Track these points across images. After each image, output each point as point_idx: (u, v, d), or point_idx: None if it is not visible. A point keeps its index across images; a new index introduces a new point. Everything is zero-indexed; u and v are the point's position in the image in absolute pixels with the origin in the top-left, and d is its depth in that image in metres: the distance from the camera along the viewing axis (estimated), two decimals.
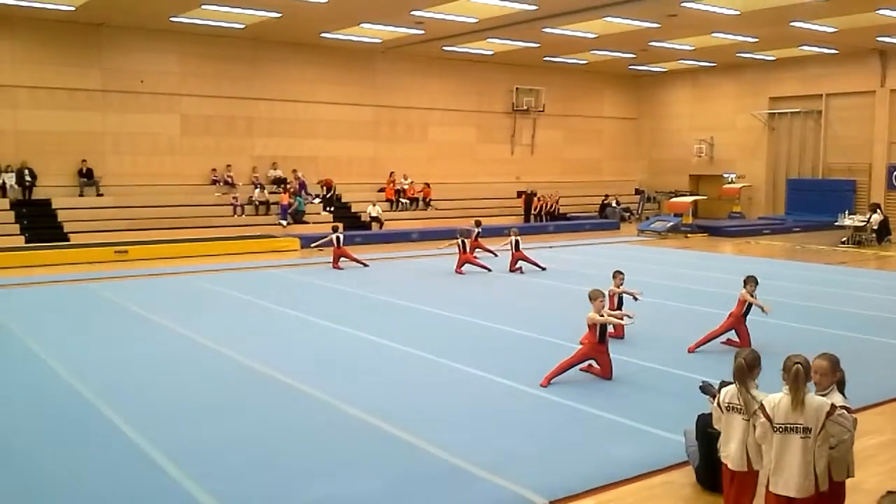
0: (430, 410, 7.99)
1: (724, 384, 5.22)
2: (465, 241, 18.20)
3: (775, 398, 4.62)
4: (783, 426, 4.55)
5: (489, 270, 17.88)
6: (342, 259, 18.75)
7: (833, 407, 4.55)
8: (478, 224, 19.84)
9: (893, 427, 7.66)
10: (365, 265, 18.80)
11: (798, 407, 4.50)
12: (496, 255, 19.46)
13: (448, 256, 19.53)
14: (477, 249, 19.16)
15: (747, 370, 4.85)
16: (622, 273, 11.37)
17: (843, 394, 4.84)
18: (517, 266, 18.03)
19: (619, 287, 11.21)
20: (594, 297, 8.98)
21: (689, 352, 10.29)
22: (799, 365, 4.53)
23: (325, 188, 27.57)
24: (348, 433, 7.31)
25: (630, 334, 11.28)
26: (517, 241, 18.01)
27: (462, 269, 17.97)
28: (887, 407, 8.23)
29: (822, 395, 4.73)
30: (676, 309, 13.72)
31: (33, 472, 6.38)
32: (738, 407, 4.84)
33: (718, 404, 4.95)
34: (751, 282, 10.34)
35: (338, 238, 18.81)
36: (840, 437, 4.59)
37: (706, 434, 5.75)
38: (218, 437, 7.15)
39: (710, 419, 5.36)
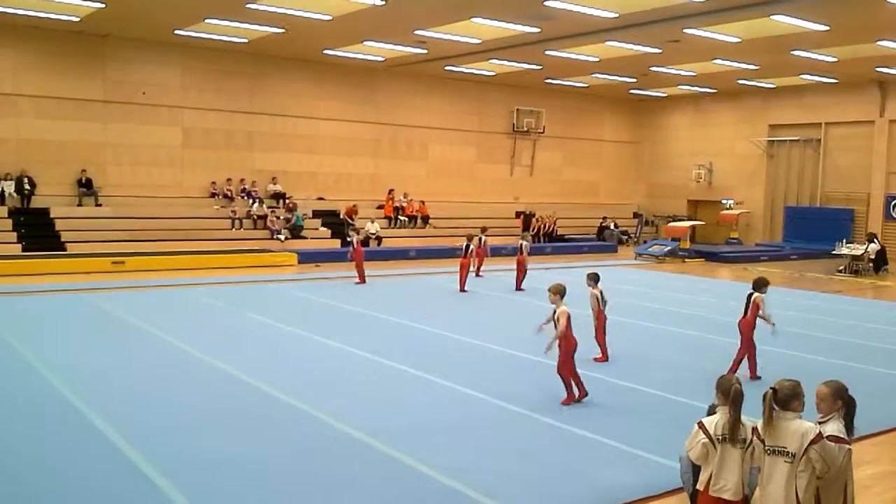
0: (425, 430, 7.94)
1: (711, 410, 5.16)
2: (471, 245, 18.42)
3: (761, 422, 4.69)
4: (770, 449, 4.61)
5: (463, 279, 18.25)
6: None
7: (819, 435, 4.53)
8: (483, 230, 20.32)
9: (890, 457, 7.64)
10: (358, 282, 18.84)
11: (766, 428, 4.59)
12: (478, 276, 19.85)
13: (447, 275, 19.54)
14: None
15: (743, 397, 4.82)
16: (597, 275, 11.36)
17: (847, 423, 4.78)
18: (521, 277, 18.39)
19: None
20: (557, 291, 8.92)
21: (753, 379, 9.81)
22: (770, 389, 4.59)
23: (348, 217, 27.19)
24: (343, 452, 7.26)
25: (626, 358, 11.27)
26: (522, 245, 18.57)
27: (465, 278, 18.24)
28: (884, 437, 8.21)
29: (822, 423, 4.72)
30: (673, 334, 13.70)
31: (23, 484, 6.33)
32: (729, 437, 4.78)
33: (710, 439, 4.77)
34: (764, 286, 10.16)
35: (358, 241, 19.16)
36: (823, 469, 4.54)
37: None
38: (212, 453, 7.10)
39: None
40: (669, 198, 36.34)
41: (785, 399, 4.59)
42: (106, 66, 24.14)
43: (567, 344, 8.88)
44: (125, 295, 16.43)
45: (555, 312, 8.89)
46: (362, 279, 18.84)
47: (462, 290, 17.97)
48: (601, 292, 11.19)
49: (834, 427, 4.69)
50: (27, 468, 6.65)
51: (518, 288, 18.33)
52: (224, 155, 26.46)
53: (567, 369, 8.94)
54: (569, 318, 8.82)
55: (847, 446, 4.62)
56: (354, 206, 27.55)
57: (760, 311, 10.12)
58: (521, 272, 18.46)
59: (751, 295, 10.26)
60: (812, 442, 4.49)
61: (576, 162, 35.54)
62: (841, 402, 4.79)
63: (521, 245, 18.64)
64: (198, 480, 6.45)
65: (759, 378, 9.84)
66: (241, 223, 25.52)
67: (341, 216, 27.46)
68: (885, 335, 13.90)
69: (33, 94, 23.07)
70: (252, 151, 27.06)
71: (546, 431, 8.00)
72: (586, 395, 8.97)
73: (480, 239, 19.45)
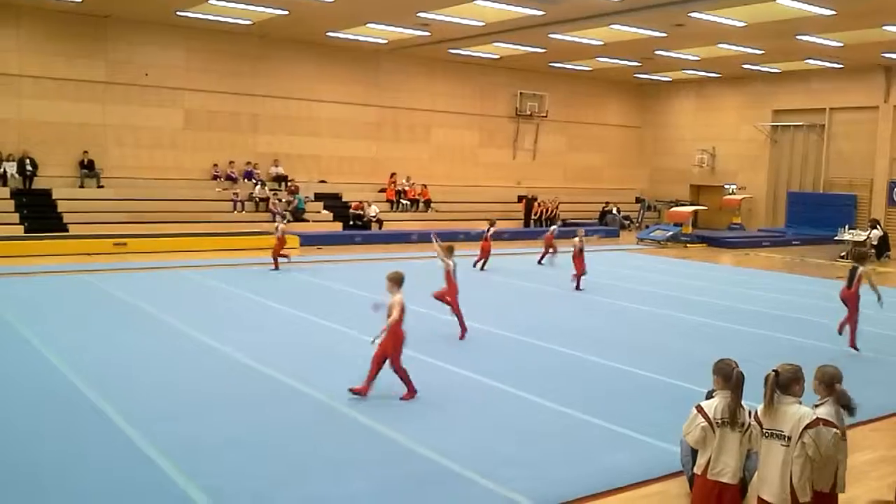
0: (424, 413, 7.98)
1: (710, 395, 5.18)
2: (492, 229, 19.37)
3: (761, 405, 4.72)
4: (768, 432, 4.65)
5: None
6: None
7: (815, 420, 4.56)
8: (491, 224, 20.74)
9: (887, 443, 7.66)
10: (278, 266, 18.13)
11: (767, 411, 4.62)
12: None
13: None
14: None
15: (744, 380, 4.83)
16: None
17: (842, 408, 4.82)
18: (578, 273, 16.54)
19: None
20: (394, 279, 8.41)
21: (854, 348, 10.98)
22: (773, 372, 4.65)
23: (356, 211, 27.14)
24: (343, 433, 7.30)
25: (626, 342, 11.29)
26: (581, 248, 16.60)
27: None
28: (881, 423, 8.23)
29: (816, 406, 4.77)
30: (673, 318, 13.71)
31: (26, 465, 6.37)
32: (728, 420, 4.79)
33: (709, 422, 4.77)
34: (865, 258, 11.02)
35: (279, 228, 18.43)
36: (816, 454, 4.56)
37: None
38: (212, 434, 7.14)
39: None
40: (672, 182, 36.25)
41: (786, 383, 4.62)
42: (108, 48, 24.05)
43: (395, 338, 8.23)
44: (127, 276, 16.46)
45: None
46: (276, 265, 17.94)
47: (482, 268, 18.84)
48: (455, 265, 11.52)
49: (824, 411, 4.74)
50: (26, 449, 6.68)
51: (577, 288, 16.51)
52: (226, 137, 26.40)
53: (398, 364, 8.30)
54: (402, 309, 8.22)
55: (834, 430, 4.65)
56: (360, 202, 27.39)
57: (868, 284, 11.01)
58: (580, 269, 16.62)
59: (855, 269, 11.06)
60: (807, 426, 4.52)
61: (579, 146, 35.43)
62: (834, 388, 4.84)
63: (575, 241, 16.77)
64: (199, 461, 6.49)
65: (858, 350, 11.00)
66: (242, 206, 25.50)
67: (351, 210, 27.30)
68: (885, 322, 13.88)
69: (35, 74, 22.99)
70: (254, 134, 27.01)
71: (545, 414, 8.03)
72: (415, 394, 8.34)
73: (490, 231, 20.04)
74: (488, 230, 19.40)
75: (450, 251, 11.40)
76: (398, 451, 6.87)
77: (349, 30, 24.87)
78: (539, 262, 20.49)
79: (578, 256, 16.54)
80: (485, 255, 19.12)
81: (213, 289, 15.30)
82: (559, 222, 18.93)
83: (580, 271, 16.44)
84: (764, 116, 32.86)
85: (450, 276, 11.27)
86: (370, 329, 11.61)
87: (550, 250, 20.58)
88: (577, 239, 16.77)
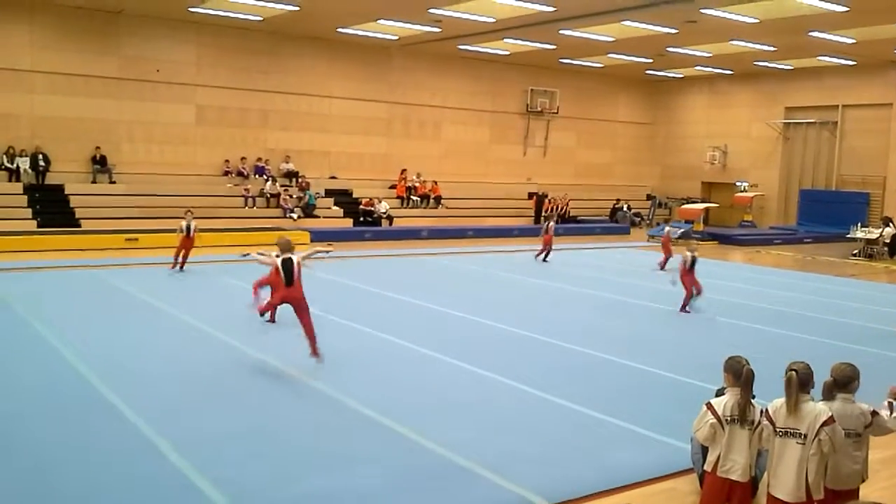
0: (432, 407, 7.99)
1: (720, 393, 5.17)
2: (549, 222, 20.86)
3: (777, 402, 4.67)
4: (783, 430, 4.61)
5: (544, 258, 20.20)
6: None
7: (831, 417, 4.56)
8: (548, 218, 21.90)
9: None
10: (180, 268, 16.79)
11: (792, 412, 4.57)
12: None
13: (459, 255, 19.51)
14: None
15: (754, 378, 4.82)
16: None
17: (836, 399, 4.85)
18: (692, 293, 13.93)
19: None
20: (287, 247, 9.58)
21: None
22: (794, 372, 4.58)
23: (366, 209, 27.22)
24: (350, 427, 7.31)
25: (634, 339, 11.26)
26: (693, 259, 13.82)
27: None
28: None
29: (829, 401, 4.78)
30: (683, 316, 13.66)
31: (35, 457, 6.41)
32: (738, 418, 4.78)
33: (719, 419, 4.79)
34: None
35: (187, 227, 16.60)
36: (831, 451, 4.56)
37: None
38: (220, 427, 7.17)
39: None
40: (683, 180, 36.11)
41: (804, 381, 4.61)
42: (121, 44, 24.14)
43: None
44: (138, 271, 16.53)
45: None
46: (176, 265, 16.69)
47: (545, 259, 20.16)
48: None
49: (837, 406, 4.77)
50: (36, 441, 6.73)
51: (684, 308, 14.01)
52: (238, 133, 26.46)
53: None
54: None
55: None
56: (370, 199, 27.38)
57: None
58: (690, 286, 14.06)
59: None
60: (824, 423, 4.51)
61: (589, 143, 35.34)
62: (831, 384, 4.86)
63: (688, 259, 13.88)
64: (205, 452, 6.53)
65: None
66: (254, 201, 25.56)
67: (361, 206, 27.30)
68: None
69: (48, 70, 23.09)
70: (265, 130, 27.06)
71: (553, 410, 8.02)
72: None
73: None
74: (547, 224, 20.68)
75: (288, 246, 10.01)
76: (405, 445, 6.88)
77: (360, 26, 24.87)
78: (662, 269, 19.14)
79: (689, 272, 13.80)
80: (547, 246, 20.17)
81: (221, 284, 15.35)
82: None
83: (689, 290, 13.80)
84: (776, 113, 32.68)
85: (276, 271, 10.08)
86: (375, 323, 11.69)
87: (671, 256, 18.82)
88: (686, 252, 13.92)
